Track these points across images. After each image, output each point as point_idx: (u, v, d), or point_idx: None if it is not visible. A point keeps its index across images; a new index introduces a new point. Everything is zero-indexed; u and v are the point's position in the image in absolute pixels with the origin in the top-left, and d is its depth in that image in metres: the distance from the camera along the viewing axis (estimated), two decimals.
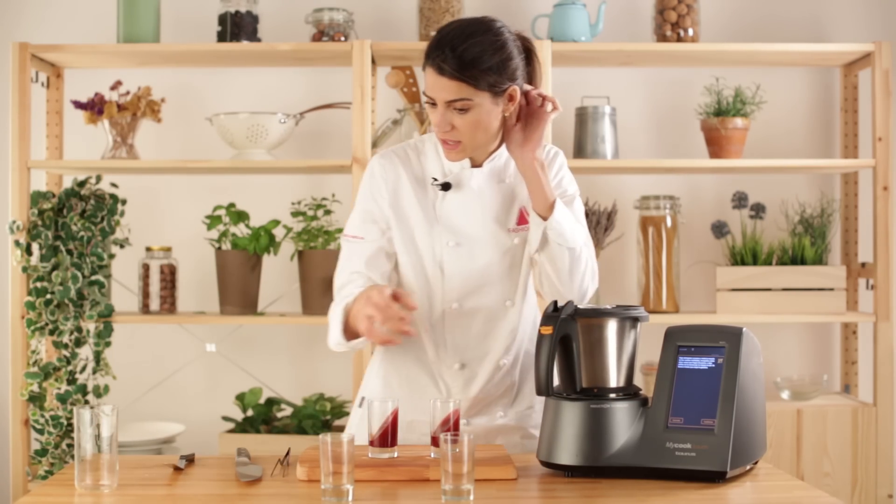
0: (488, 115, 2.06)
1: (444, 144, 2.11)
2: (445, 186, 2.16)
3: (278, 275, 3.65)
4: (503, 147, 2.17)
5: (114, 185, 3.49)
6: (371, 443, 1.97)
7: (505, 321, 2.18)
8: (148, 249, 3.45)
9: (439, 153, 2.19)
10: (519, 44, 2.10)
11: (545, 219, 2.09)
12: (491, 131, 2.10)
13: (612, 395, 1.91)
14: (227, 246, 3.44)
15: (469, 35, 2.04)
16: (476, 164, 2.17)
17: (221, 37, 3.44)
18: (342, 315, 2.07)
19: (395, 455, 1.97)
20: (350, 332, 2.07)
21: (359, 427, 2.21)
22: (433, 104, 2.07)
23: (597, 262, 2.20)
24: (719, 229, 3.57)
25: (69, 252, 3.27)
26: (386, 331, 1.92)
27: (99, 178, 3.39)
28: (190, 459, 2.04)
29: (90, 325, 3.28)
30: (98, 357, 3.29)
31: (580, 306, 1.93)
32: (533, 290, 2.23)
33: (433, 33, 3.40)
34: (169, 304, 3.43)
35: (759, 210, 3.57)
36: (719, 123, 3.45)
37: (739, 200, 3.57)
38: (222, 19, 3.44)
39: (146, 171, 3.50)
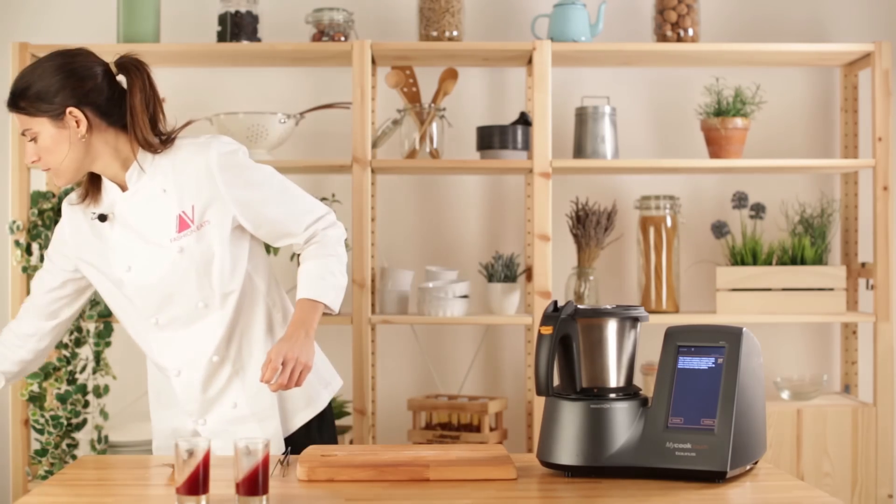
0: (53, 140, 2.15)
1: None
2: (101, 218, 2.24)
3: (278, 275, 3.64)
4: (134, 166, 2.20)
5: None
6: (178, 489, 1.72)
7: (204, 322, 2.24)
8: None
9: (107, 185, 2.26)
10: (102, 68, 2.22)
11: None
12: (62, 153, 2.15)
13: (612, 395, 1.91)
14: None
15: (25, 71, 2.16)
16: (125, 189, 2.24)
17: (221, 37, 3.44)
18: None
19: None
20: None
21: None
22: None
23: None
24: (719, 229, 3.57)
25: None
26: None
27: None
28: None
29: (90, 325, 3.28)
30: (98, 357, 3.29)
31: (580, 306, 1.93)
32: (262, 274, 2.40)
33: (433, 33, 3.44)
34: None
35: (759, 210, 3.57)
36: (719, 123, 3.45)
37: (739, 200, 3.57)
38: (222, 19, 3.44)
39: None
